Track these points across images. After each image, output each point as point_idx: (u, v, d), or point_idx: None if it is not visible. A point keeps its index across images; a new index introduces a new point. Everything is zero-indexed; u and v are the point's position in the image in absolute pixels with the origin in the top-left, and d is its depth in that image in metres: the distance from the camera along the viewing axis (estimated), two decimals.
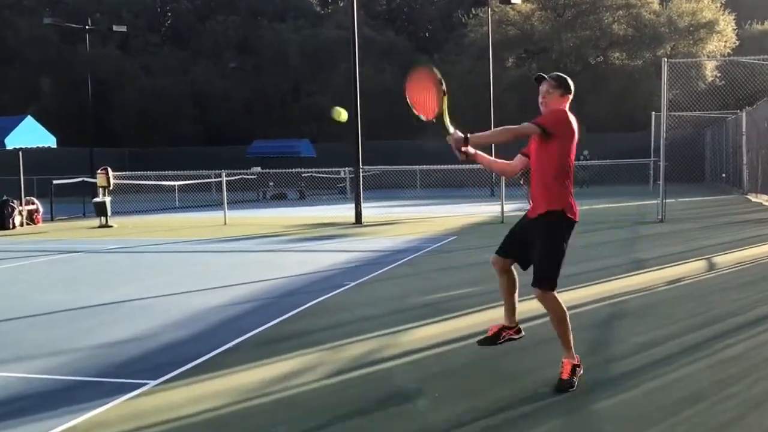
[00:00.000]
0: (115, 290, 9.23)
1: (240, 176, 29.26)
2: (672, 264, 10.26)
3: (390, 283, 9.42)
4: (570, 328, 5.06)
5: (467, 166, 22.32)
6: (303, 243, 14.78)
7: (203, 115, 55.32)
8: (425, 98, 5.35)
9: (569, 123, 5.02)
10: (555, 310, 5.05)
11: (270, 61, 56.10)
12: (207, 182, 31.53)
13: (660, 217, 17.23)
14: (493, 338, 5.56)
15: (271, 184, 34.76)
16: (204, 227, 18.99)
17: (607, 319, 6.91)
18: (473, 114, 46.86)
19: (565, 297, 7.43)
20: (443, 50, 54.56)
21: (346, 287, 8.98)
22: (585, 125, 49.10)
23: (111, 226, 19.45)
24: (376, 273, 10.12)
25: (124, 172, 25.51)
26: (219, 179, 23.23)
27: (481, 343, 5.64)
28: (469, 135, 4.99)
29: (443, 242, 14.07)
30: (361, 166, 19.73)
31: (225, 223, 19.69)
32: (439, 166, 23.77)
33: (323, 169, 28.84)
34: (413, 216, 21.18)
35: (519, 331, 5.58)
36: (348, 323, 6.98)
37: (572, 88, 5.33)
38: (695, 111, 29.94)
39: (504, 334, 5.54)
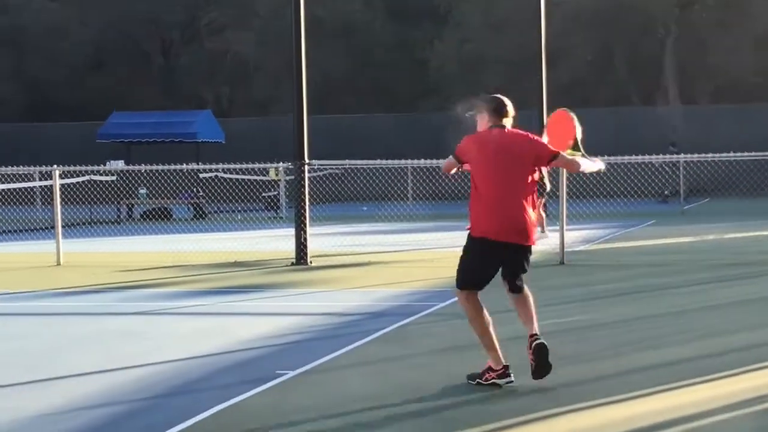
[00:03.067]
0: None
1: (87, 177, 28.75)
2: None
3: (360, 372, 9.35)
4: (480, 328, 8.79)
5: None
6: (201, 299, 14.59)
7: (19, 65, 54.51)
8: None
9: (469, 146, 8.94)
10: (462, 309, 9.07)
11: None
12: (26, 188, 31.00)
13: None
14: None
15: (143, 191, 34.62)
16: (22, 270, 19.03)
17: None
18: (512, 72, 46.53)
19: (683, 399, 8.10)
20: None
21: (282, 379, 8.87)
22: (700, 90, 49.10)
23: None
24: (334, 354, 10.01)
25: None
26: (47, 182, 22.85)
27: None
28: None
29: (456, 299, 13.82)
30: (306, 161, 19.40)
31: (59, 263, 19.65)
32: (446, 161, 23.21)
33: (238, 166, 28.09)
34: (402, 251, 21.37)
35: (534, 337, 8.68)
36: None
37: (495, 104, 9.00)
38: None
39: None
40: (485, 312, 8.74)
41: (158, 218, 33.25)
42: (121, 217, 33.79)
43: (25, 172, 25.51)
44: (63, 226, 21.13)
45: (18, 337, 12.04)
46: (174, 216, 34.20)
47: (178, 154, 32.28)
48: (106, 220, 31.71)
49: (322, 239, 21.60)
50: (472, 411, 7.76)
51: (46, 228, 22.57)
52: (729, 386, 8.38)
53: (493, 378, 8.49)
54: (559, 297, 14.27)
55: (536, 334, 8.57)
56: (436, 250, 21.10)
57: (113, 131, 38.42)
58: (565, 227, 18.66)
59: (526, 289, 8.90)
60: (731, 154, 22.43)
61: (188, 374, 9.35)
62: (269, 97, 50.41)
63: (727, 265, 17.70)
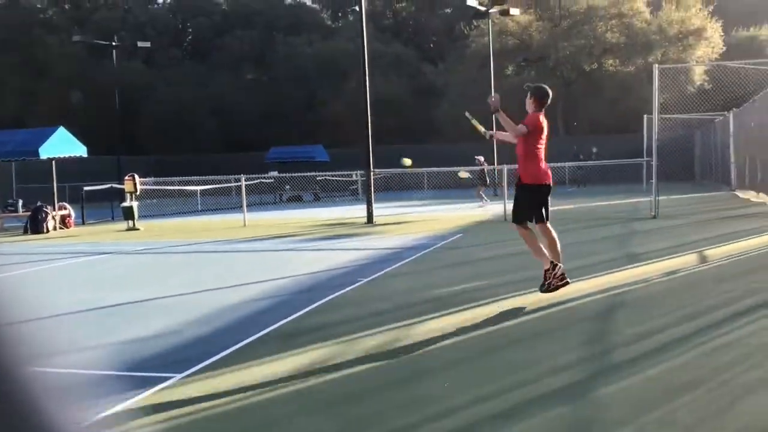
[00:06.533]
0: (142, 289, 9.16)
1: (258, 180, 29.23)
2: (666, 257, 10.09)
3: (400, 279, 9.30)
4: (534, 246, 7.24)
5: (471, 168, 22.51)
6: (318, 242, 14.56)
7: (223, 124, 55.35)
8: None
9: (538, 122, 7.23)
10: (520, 234, 7.35)
11: (285, 73, 56.13)
12: (227, 186, 31.44)
13: (653, 213, 17.08)
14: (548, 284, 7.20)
15: (288, 187, 34.57)
16: (225, 229, 18.85)
17: (606, 311, 6.80)
18: (477, 120, 46.89)
19: (565, 290, 7.35)
20: (447, 60, 54.49)
21: (359, 283, 8.90)
22: (582, 128, 49.25)
23: (138, 229, 19.44)
24: (388, 269, 9.99)
25: (149, 178, 25.50)
26: (239, 183, 23.20)
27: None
28: (494, 132, 8.47)
29: (450, 239, 13.87)
30: (372, 169, 19.53)
31: (245, 225, 19.55)
32: (444, 168, 23.53)
33: (336, 173, 28.52)
34: (422, 215, 20.95)
35: (555, 266, 7.16)
36: (362, 317, 6.90)
37: (542, 92, 7.35)
38: (685, 113, 29.75)
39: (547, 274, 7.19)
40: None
41: (296, 201, 33.59)
42: (276, 200, 34.12)
43: (226, 178, 25.85)
44: (247, 205, 21.29)
45: (222, 263, 12.10)
46: (304, 199, 34.30)
47: (305, 167, 32.78)
48: (269, 202, 32.12)
49: (382, 210, 21.24)
50: (465, 296, 7.65)
51: (238, 206, 22.58)
52: (597, 281, 8.24)
53: (551, 270, 7.14)
54: (498, 238, 13.88)
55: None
56: (440, 215, 21.16)
57: (272, 156, 39.41)
58: (507, 200, 18.19)
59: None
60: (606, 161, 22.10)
61: (312, 281, 9.30)
62: (352, 136, 50.33)
63: (593, 219, 17.25)
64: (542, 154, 7.25)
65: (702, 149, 37.33)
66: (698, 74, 42.93)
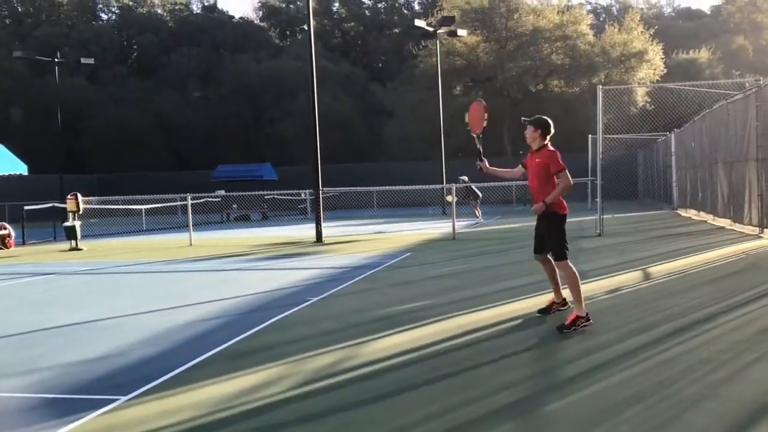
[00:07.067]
0: (87, 310, 8.95)
1: (205, 199, 29.00)
2: (610, 275, 10.25)
3: (350, 298, 9.29)
4: (578, 289, 6.72)
5: (420, 187, 22.66)
6: (267, 262, 14.46)
7: (169, 142, 54.83)
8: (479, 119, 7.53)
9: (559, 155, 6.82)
10: (567, 274, 6.85)
11: (233, 91, 55.87)
12: (173, 206, 31.03)
13: (598, 231, 17.41)
14: (546, 309, 7.37)
15: (235, 206, 34.33)
16: (171, 248, 18.59)
17: (552, 328, 6.87)
18: (426, 140, 47.42)
19: (512, 308, 7.60)
20: (395, 80, 54.93)
21: (309, 303, 8.86)
22: (527, 147, 49.60)
23: (81, 249, 19.04)
24: (337, 288, 9.97)
25: (93, 197, 25.04)
26: (184, 202, 22.92)
27: (539, 311, 7.39)
28: (545, 201, 6.76)
29: (399, 258, 13.87)
30: (320, 188, 19.49)
31: (191, 244, 19.30)
32: (394, 187, 23.57)
33: (285, 192, 28.40)
34: (371, 234, 20.96)
35: (565, 304, 7.30)
36: (311, 337, 6.88)
37: (546, 124, 6.87)
38: (628, 134, 30.52)
39: (554, 306, 7.36)
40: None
41: (243, 220, 33.25)
42: (223, 219, 33.68)
43: (171, 197, 25.50)
44: (193, 224, 21.02)
45: (168, 283, 11.84)
46: (251, 218, 33.90)
47: (252, 186, 32.54)
48: (216, 222, 31.70)
49: (331, 229, 21.39)
50: (414, 315, 7.73)
51: (184, 226, 22.27)
52: (543, 298, 8.17)
53: (582, 322, 6.63)
54: (446, 257, 13.90)
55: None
56: (389, 234, 21.24)
57: (219, 175, 38.90)
58: (455, 219, 18.26)
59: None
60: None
61: (261, 300, 9.19)
62: (300, 155, 50.64)
63: (509, 240, 17.60)
64: None
65: (645, 169, 38.29)
66: (640, 95, 44.10)
